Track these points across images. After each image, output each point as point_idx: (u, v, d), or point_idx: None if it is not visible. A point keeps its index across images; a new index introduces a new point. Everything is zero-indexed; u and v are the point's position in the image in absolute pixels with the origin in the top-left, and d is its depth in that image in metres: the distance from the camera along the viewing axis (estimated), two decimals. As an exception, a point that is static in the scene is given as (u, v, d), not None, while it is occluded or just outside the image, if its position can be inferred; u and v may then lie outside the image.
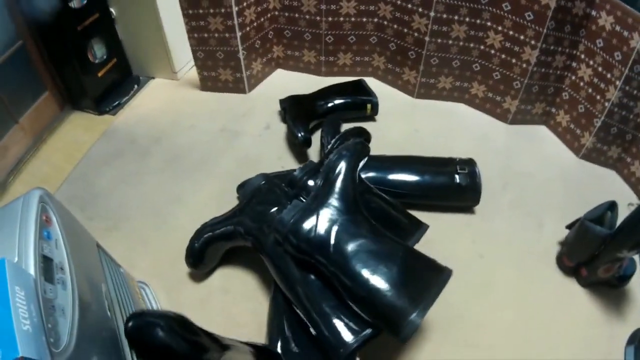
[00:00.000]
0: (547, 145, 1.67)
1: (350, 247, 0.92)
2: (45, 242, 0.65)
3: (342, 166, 1.02)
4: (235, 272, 1.17)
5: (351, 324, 0.90)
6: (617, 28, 1.39)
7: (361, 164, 1.09)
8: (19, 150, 1.44)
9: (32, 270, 0.59)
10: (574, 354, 1.09)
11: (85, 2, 1.51)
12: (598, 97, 1.51)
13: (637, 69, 1.39)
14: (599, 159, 1.60)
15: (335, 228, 0.94)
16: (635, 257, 1.30)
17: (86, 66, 1.58)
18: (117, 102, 1.66)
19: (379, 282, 0.87)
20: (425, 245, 1.22)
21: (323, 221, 0.95)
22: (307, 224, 0.95)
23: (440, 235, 1.26)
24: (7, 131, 1.41)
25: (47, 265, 0.63)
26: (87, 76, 1.58)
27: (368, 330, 0.89)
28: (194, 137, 1.54)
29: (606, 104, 1.47)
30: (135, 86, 1.74)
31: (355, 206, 1.00)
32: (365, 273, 0.88)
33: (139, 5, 1.58)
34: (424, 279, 0.90)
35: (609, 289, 1.22)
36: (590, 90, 1.54)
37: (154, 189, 1.35)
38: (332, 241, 0.93)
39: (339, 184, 1.00)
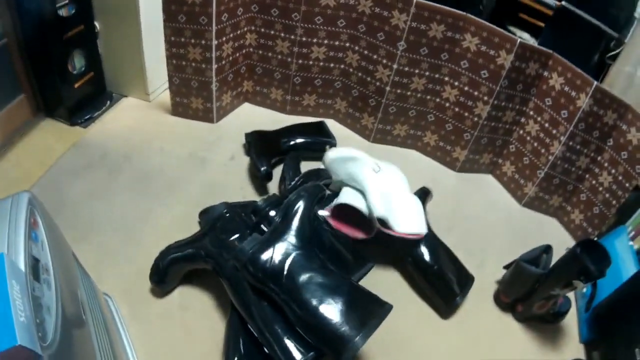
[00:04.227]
0: (493, 192, 1.83)
1: (302, 278, 1.04)
2: (33, 243, 0.69)
3: (299, 205, 1.16)
4: (194, 291, 1.25)
5: (299, 345, 1.02)
6: (566, 88, 1.55)
7: (317, 202, 1.21)
8: (-13, 149, 1.47)
9: (22, 267, 0.63)
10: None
11: (73, 12, 1.57)
12: (543, 150, 1.66)
13: (582, 127, 1.55)
14: (540, 207, 1.76)
15: (289, 261, 1.06)
16: (571, 295, 1.43)
17: (64, 75, 1.64)
18: (89, 116, 1.73)
19: (325, 311, 1.00)
20: (375, 277, 1.36)
21: (278, 254, 1.07)
22: (264, 255, 1.07)
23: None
24: (-24, 128, 1.44)
25: (35, 265, 0.67)
26: (64, 85, 1.64)
27: (312, 352, 1.01)
28: (164, 160, 1.62)
29: (550, 157, 1.63)
30: (108, 102, 1.81)
31: (309, 242, 1.12)
32: (314, 302, 1.01)
33: (123, 23, 1.66)
34: (366, 310, 1.03)
35: (545, 324, 1.36)
36: (535, 144, 1.69)
37: (123, 205, 1.43)
38: (285, 272, 1.05)
39: (296, 221, 1.13)
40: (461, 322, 1.34)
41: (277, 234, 1.11)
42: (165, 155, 1.64)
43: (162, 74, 1.76)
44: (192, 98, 1.78)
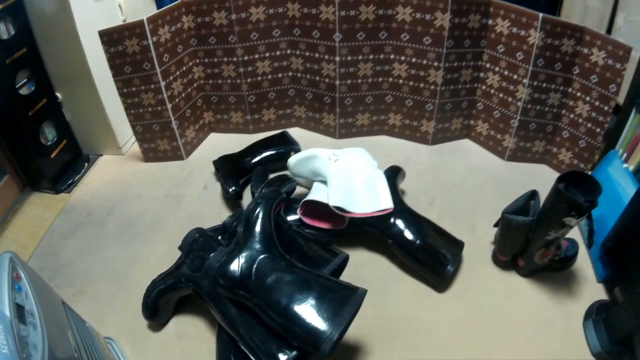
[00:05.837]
0: (472, 156, 1.92)
1: (269, 280, 1.12)
2: (17, 293, 0.87)
3: (258, 211, 1.25)
4: (187, 318, 1.38)
5: (282, 346, 1.09)
6: (514, 30, 1.62)
7: (276, 206, 1.31)
8: (-14, 232, 1.67)
9: (7, 313, 0.81)
10: (530, 338, 1.25)
11: (33, 88, 1.75)
12: (510, 99, 1.74)
13: (541, 63, 1.61)
14: (525, 156, 1.84)
15: (255, 266, 1.14)
16: (577, 236, 1.48)
17: (40, 149, 1.82)
18: (71, 181, 1.93)
19: (296, 308, 1.07)
20: (368, 265, 1.50)
21: (244, 261, 1.15)
22: (232, 266, 1.15)
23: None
24: (-27, 214, 1.62)
25: (20, 311, 0.84)
26: (41, 158, 1.82)
27: (295, 352, 1.08)
28: (143, 205, 1.79)
29: (518, 103, 1.72)
30: (86, 164, 2.02)
31: (272, 245, 1.21)
32: (284, 302, 1.08)
33: (81, 89, 1.85)
34: (338, 300, 1.08)
35: (555, 273, 1.39)
36: (501, 95, 1.77)
37: (112, 254, 1.59)
38: (253, 277, 1.13)
39: (257, 227, 1.22)
40: (461, 293, 1.38)
41: (242, 243, 1.20)
42: (143, 201, 1.82)
43: (128, 127, 1.94)
44: (158, 141, 1.95)
